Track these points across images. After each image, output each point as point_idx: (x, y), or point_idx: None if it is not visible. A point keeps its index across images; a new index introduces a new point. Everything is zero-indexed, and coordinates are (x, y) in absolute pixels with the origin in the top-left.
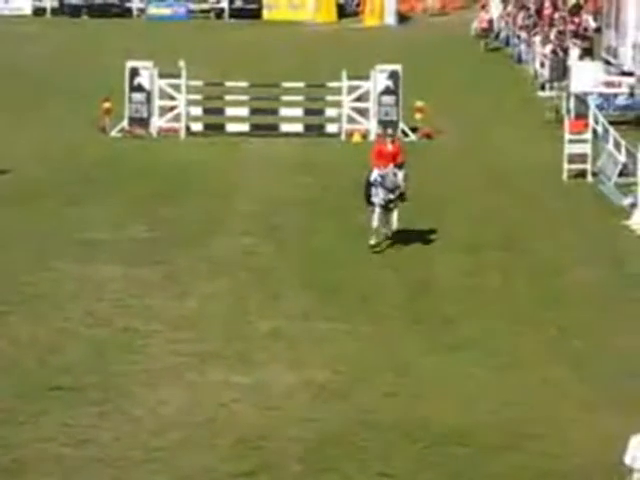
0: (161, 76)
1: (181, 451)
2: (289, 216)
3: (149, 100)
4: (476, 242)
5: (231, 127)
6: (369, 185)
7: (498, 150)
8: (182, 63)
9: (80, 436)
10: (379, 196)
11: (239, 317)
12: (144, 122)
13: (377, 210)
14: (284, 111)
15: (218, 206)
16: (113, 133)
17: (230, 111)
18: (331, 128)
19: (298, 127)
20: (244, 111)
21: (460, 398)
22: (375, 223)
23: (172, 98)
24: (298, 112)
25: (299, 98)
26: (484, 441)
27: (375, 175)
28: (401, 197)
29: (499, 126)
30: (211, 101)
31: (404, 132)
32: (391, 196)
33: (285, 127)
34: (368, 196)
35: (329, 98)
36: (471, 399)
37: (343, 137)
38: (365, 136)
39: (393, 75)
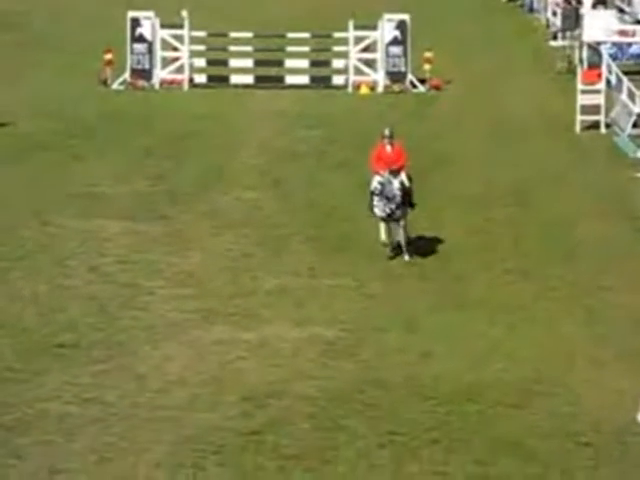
0: (163, 26)
1: (186, 409)
2: (294, 170)
3: (151, 51)
4: (486, 197)
5: (235, 79)
6: (371, 194)
7: (509, 102)
8: (185, 13)
9: (83, 394)
10: (379, 207)
11: (243, 273)
12: (146, 74)
13: (381, 223)
14: (289, 62)
15: (222, 160)
16: (115, 85)
17: (234, 62)
18: (337, 80)
19: (304, 79)
20: (249, 62)
21: (470, 356)
22: (383, 237)
23: (175, 49)
24: (304, 63)
25: (305, 49)
26: (494, 399)
27: (375, 183)
28: (404, 205)
29: (510, 77)
30: (215, 52)
31: (412, 84)
32: (392, 206)
33: (290, 79)
34: (371, 207)
35: (335, 49)
36: (481, 357)
37: (350, 89)
38: (372, 88)
39: (401, 25)
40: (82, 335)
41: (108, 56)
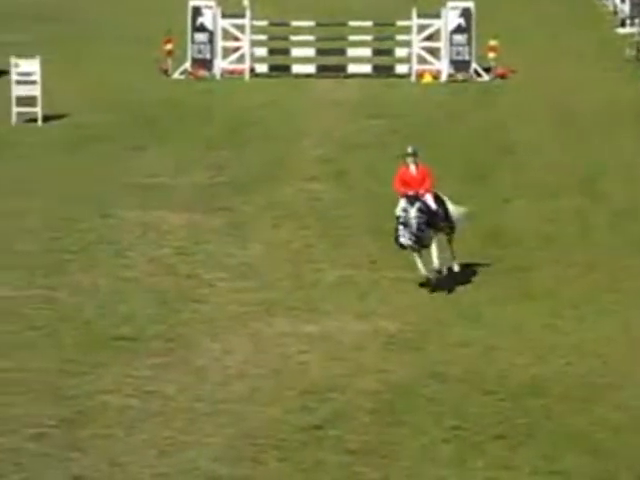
0: (224, 16)
1: (247, 403)
2: (356, 160)
3: (212, 41)
4: (552, 187)
5: (297, 68)
6: (397, 220)
7: (575, 90)
8: (246, 2)
9: (144, 387)
10: (405, 236)
11: (305, 265)
12: (207, 63)
13: (414, 255)
14: (352, 51)
15: (283, 150)
16: (175, 75)
17: (296, 52)
18: (401, 69)
19: (366, 68)
20: (310, 52)
21: (535, 349)
22: (422, 271)
23: (236, 39)
24: (366, 52)
25: (367, 38)
26: (560, 393)
27: (399, 209)
28: (429, 229)
29: (576, 65)
30: (276, 42)
31: (477, 72)
32: (414, 232)
33: (353, 68)
34: (396, 237)
35: (398, 37)
36: (547, 350)
37: (413, 78)
38: (436, 77)
39: (465, 12)
40: (142, 328)
41: (168, 46)
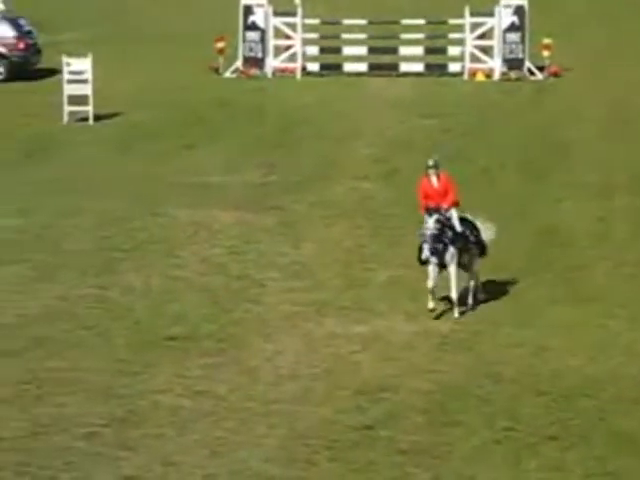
0: (276, 14)
1: (299, 403)
2: (408, 159)
3: (263, 39)
4: (606, 186)
5: (349, 67)
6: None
7: (630, 89)
8: (298, 0)
9: (195, 387)
10: (424, 253)
11: (356, 265)
12: (258, 62)
13: (429, 267)
14: (404, 50)
15: (335, 149)
16: (227, 74)
17: (348, 50)
18: (453, 67)
19: (419, 66)
20: (362, 50)
21: (588, 349)
22: (430, 282)
23: (287, 37)
24: (419, 51)
25: (420, 36)
26: (613, 394)
27: (423, 227)
28: (453, 247)
29: (632, 63)
30: (328, 40)
31: (530, 71)
32: (436, 245)
33: (405, 66)
34: (418, 255)
35: (451, 36)
36: (600, 350)
37: (466, 76)
38: (489, 75)
39: (519, 10)
40: (194, 327)
41: (220, 44)
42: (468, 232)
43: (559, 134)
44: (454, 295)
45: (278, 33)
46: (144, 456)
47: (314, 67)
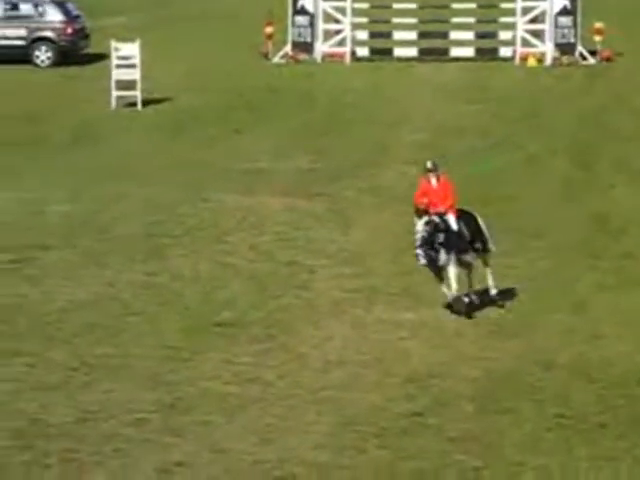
0: None
1: (348, 390)
2: (458, 145)
3: (313, 24)
4: None
5: (399, 51)
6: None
7: None
8: None
9: (244, 374)
10: (420, 260)
11: (406, 251)
12: (308, 47)
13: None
14: (454, 34)
15: (384, 135)
16: (275, 59)
17: (398, 35)
18: (504, 52)
19: (469, 51)
20: (412, 35)
21: None
22: (452, 287)
23: (337, 21)
24: (469, 35)
25: (470, 20)
26: None
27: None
28: (444, 250)
29: None
30: (378, 24)
31: (582, 55)
32: (426, 251)
33: (455, 51)
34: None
35: (502, 19)
36: None
37: (517, 61)
38: (540, 60)
39: None
40: (242, 314)
41: (269, 29)
42: (467, 230)
43: (611, 119)
44: (451, 297)
45: (327, 17)
46: (192, 443)
47: (363, 52)
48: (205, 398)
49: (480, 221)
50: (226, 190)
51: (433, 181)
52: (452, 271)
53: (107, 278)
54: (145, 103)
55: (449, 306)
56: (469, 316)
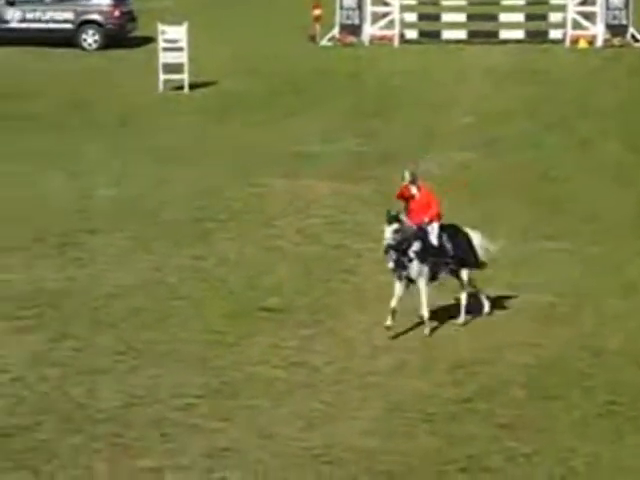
0: None
1: (396, 376)
2: (507, 128)
3: (361, 6)
4: None
5: (447, 34)
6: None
7: None
8: None
9: (291, 359)
10: (389, 263)
11: None
12: (355, 29)
13: (395, 284)
14: (504, 16)
15: (432, 118)
16: (323, 42)
17: (446, 17)
18: (554, 34)
19: (519, 33)
20: (461, 17)
21: None
22: (393, 301)
23: (385, 4)
24: (519, 17)
25: (520, 2)
26: None
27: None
28: (417, 260)
29: None
30: (426, 7)
31: (634, 37)
32: (404, 261)
33: (505, 34)
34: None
35: (552, 1)
36: None
37: (567, 43)
38: (591, 42)
39: None
40: (289, 298)
41: (317, 12)
42: (450, 245)
43: None
44: (424, 312)
45: (376, 0)
46: (239, 428)
47: (412, 34)
48: (252, 383)
49: (473, 236)
50: (273, 173)
51: (414, 190)
52: (424, 290)
53: (154, 262)
54: (192, 86)
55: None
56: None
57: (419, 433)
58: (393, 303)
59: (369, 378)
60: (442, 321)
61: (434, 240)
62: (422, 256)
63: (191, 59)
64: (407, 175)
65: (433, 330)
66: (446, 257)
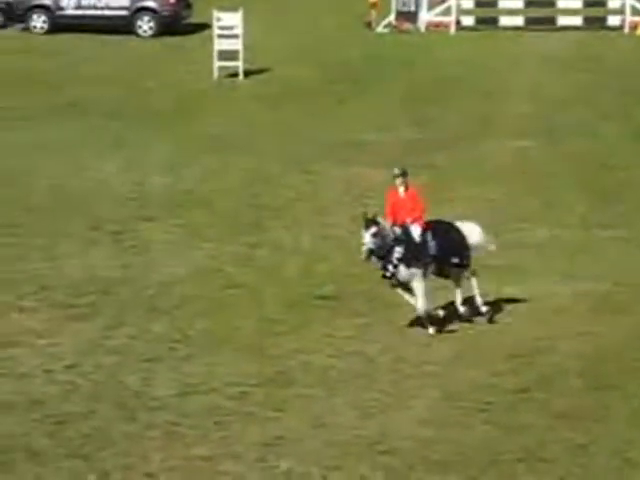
0: None
1: (452, 365)
2: (565, 117)
3: None
4: None
5: (505, 21)
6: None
7: None
8: None
9: (346, 348)
10: (384, 268)
11: (510, 224)
12: (412, 16)
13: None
14: (562, 3)
15: (489, 106)
16: (379, 29)
17: (504, 3)
18: (613, 20)
19: (577, 20)
20: (519, 3)
21: None
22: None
23: None
24: (577, 3)
25: None
26: None
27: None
28: (401, 264)
29: None
30: None
31: None
32: (390, 268)
33: (563, 20)
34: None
35: None
36: None
37: (626, 30)
38: None
39: None
40: (344, 287)
41: None
42: (434, 243)
43: None
44: (421, 311)
45: None
46: (294, 417)
47: (469, 21)
48: (307, 372)
49: (470, 234)
50: (328, 161)
51: (401, 190)
52: (418, 287)
53: (208, 250)
54: (247, 73)
55: (417, 321)
56: (439, 331)
57: (475, 423)
58: (422, 303)
59: (425, 367)
60: (497, 311)
61: (417, 239)
62: (407, 260)
63: (246, 46)
64: (397, 171)
65: (491, 319)
66: (427, 257)
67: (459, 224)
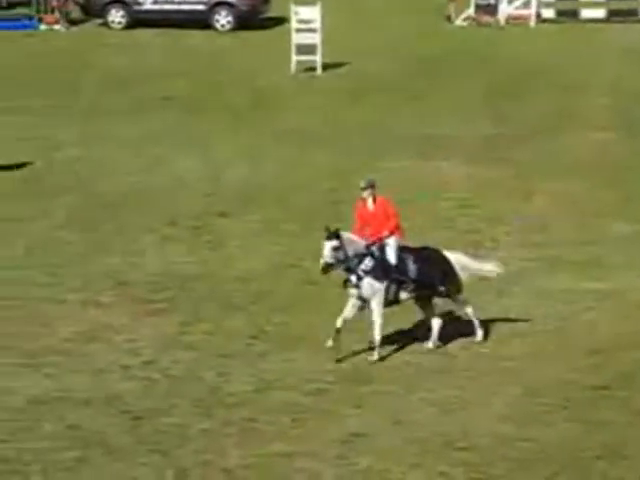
0: None
1: (531, 361)
2: None
3: None
4: None
5: (586, 13)
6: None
7: None
8: None
9: (423, 344)
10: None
11: (592, 219)
12: (491, 9)
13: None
14: None
15: (569, 99)
16: (458, 22)
17: None
18: None
19: None
20: None
21: None
22: (339, 320)
23: None
24: None
25: None
26: None
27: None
28: (369, 278)
29: None
30: None
31: None
32: (353, 279)
33: None
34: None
35: None
36: None
37: None
38: None
39: None
40: None
41: None
42: (413, 268)
43: None
44: (377, 337)
45: None
46: (372, 413)
47: (549, 14)
48: (385, 368)
49: (453, 260)
50: (405, 156)
51: (369, 202)
52: (377, 311)
53: (285, 246)
54: (325, 67)
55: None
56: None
57: (556, 419)
58: (338, 323)
59: (504, 363)
60: (577, 308)
61: (392, 256)
62: (375, 273)
63: (324, 40)
64: (363, 183)
65: (567, 318)
66: (405, 277)
67: (447, 253)
